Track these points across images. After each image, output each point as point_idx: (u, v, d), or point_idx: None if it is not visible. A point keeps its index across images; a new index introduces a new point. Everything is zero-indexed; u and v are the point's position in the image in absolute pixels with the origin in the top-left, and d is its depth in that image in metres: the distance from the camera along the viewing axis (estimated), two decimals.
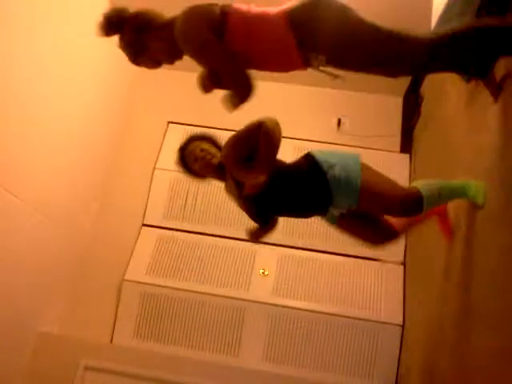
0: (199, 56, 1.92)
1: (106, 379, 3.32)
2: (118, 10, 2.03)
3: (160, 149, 4.22)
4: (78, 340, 3.46)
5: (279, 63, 1.98)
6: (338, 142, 4.11)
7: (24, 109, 2.90)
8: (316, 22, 1.82)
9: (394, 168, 3.99)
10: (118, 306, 3.70)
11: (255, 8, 1.90)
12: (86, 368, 3.33)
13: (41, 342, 3.35)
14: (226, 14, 1.87)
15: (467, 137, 2.53)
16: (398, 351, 3.43)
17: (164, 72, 4.36)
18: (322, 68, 1.94)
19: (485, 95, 2.34)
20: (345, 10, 1.86)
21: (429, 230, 3.17)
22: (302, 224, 3.88)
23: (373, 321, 3.53)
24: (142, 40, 1.98)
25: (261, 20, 1.86)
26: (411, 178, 3.92)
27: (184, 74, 4.28)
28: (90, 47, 3.57)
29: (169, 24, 1.94)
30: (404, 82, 4.05)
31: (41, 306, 3.38)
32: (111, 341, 3.62)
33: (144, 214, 4.02)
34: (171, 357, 3.42)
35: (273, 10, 1.88)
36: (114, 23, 2.02)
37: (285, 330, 3.57)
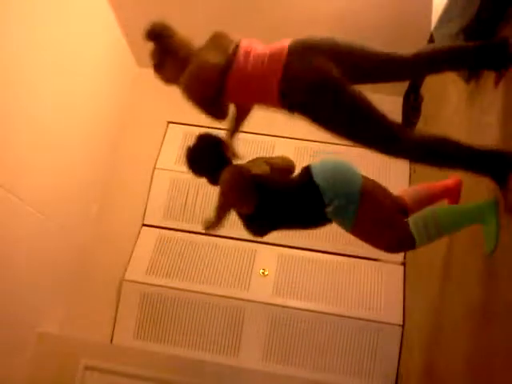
0: (200, 106, 2.19)
1: (106, 379, 3.32)
2: (162, 26, 2.30)
3: (160, 149, 4.22)
4: (78, 340, 3.45)
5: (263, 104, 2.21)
6: (338, 142, 4.11)
7: (24, 109, 2.90)
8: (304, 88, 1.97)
9: (393, 168, 4.00)
10: (117, 306, 3.70)
11: (256, 50, 2.13)
12: (86, 368, 3.33)
13: (41, 342, 3.35)
14: (227, 73, 2.07)
15: (467, 137, 2.52)
16: (397, 351, 3.43)
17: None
18: None
19: (485, 95, 2.34)
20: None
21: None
22: None
23: (373, 321, 3.53)
24: (163, 59, 2.22)
25: (256, 78, 2.05)
26: (411, 178, 3.92)
27: None
28: (90, 47, 3.57)
29: (186, 59, 2.17)
30: (404, 82, 4.05)
31: (41, 306, 3.38)
32: (111, 341, 3.62)
33: (144, 214, 4.02)
34: (171, 357, 3.42)
35: (272, 53, 2.08)
36: (152, 35, 2.25)
37: (285, 330, 3.57)
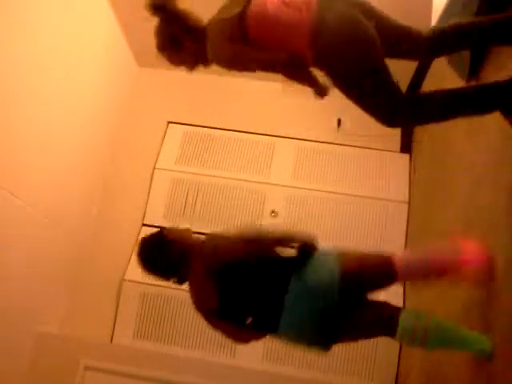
0: (234, 68, 2.06)
1: (106, 379, 3.32)
2: (171, 2, 2.05)
3: (160, 149, 4.22)
4: (78, 340, 3.45)
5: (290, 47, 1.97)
6: (338, 142, 4.12)
7: (24, 109, 2.90)
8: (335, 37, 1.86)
9: (393, 168, 4.00)
10: (117, 306, 3.70)
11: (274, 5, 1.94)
12: (86, 368, 3.33)
13: (41, 342, 3.35)
14: (244, 18, 1.96)
15: (467, 137, 2.53)
16: (397, 351, 3.43)
17: (164, 72, 4.38)
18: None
19: None
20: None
21: (429, 229, 3.18)
22: (301, 224, 3.88)
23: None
24: (183, 38, 2.05)
25: (281, 30, 1.92)
26: (411, 178, 3.92)
27: (184, 74, 4.27)
28: (90, 47, 3.57)
29: (203, 32, 2.06)
30: (404, 82, 4.05)
31: (41, 306, 3.38)
32: (111, 341, 3.62)
33: (144, 214, 4.02)
34: (171, 357, 3.42)
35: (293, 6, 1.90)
36: (165, 8, 2.02)
37: None
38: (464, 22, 1.97)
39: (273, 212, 3.94)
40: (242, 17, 1.97)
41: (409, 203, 3.86)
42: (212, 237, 2.08)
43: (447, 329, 1.89)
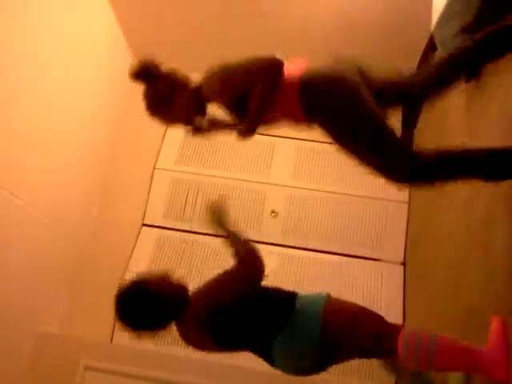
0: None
1: (106, 379, 3.32)
2: (156, 62, 2.10)
3: (160, 149, 4.22)
4: (78, 340, 3.45)
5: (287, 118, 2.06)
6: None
7: (24, 109, 2.90)
8: (324, 94, 1.89)
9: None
10: None
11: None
12: (86, 368, 3.33)
13: (41, 342, 3.35)
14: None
15: (467, 137, 2.53)
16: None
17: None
18: None
19: (485, 95, 2.34)
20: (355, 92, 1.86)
21: (428, 230, 3.18)
22: (301, 224, 3.89)
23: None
24: (172, 96, 2.05)
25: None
26: None
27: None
28: (90, 47, 3.57)
29: (198, 88, 2.06)
30: None
31: (41, 306, 3.38)
32: (111, 341, 3.62)
33: (144, 214, 4.02)
34: (171, 357, 3.42)
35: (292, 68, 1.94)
36: (149, 73, 2.08)
37: None
38: (447, 58, 1.97)
39: (273, 212, 3.94)
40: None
41: (409, 203, 3.86)
42: (196, 290, 2.01)
43: None
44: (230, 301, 1.90)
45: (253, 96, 1.88)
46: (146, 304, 1.88)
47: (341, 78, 1.87)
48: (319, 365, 1.93)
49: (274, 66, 1.89)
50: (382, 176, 1.89)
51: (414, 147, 2.00)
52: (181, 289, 1.98)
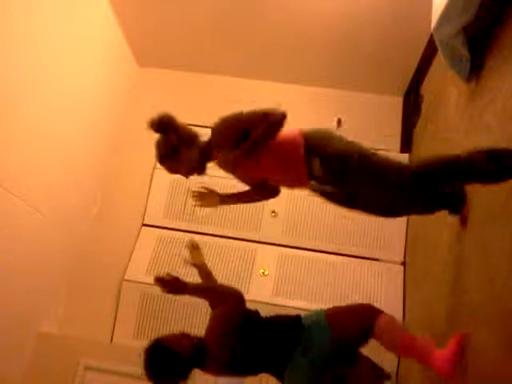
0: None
1: (106, 379, 3.32)
2: (172, 117, 2.27)
3: None
4: (78, 340, 3.46)
5: (289, 176, 2.31)
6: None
7: (24, 109, 2.90)
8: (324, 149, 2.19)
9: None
10: (117, 306, 3.70)
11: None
12: (86, 368, 3.34)
13: (41, 341, 3.35)
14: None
15: (467, 137, 2.52)
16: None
17: (164, 72, 4.38)
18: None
19: (485, 95, 2.34)
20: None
21: (429, 230, 3.17)
22: (302, 224, 3.89)
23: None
24: (180, 149, 2.26)
25: (282, 146, 2.23)
26: None
27: (184, 75, 4.28)
28: (91, 47, 3.58)
29: (204, 146, 2.31)
30: (404, 82, 4.06)
31: (41, 305, 3.38)
32: (111, 341, 3.62)
33: (144, 214, 4.02)
34: None
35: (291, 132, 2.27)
36: (165, 127, 2.24)
37: None
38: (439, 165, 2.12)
39: (273, 212, 3.94)
40: None
41: None
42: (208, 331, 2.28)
43: None
44: (235, 337, 2.20)
45: (253, 131, 2.15)
46: (168, 362, 2.16)
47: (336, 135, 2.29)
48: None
49: (278, 115, 2.18)
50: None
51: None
52: (198, 343, 2.23)
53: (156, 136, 2.28)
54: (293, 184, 2.37)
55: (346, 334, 2.17)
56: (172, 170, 2.40)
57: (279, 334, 2.25)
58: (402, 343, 2.12)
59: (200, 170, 2.39)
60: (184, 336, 2.25)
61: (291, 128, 2.28)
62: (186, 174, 2.43)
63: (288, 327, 2.27)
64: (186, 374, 2.18)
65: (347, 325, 2.19)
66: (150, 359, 2.17)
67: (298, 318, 2.32)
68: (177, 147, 2.26)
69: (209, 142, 2.30)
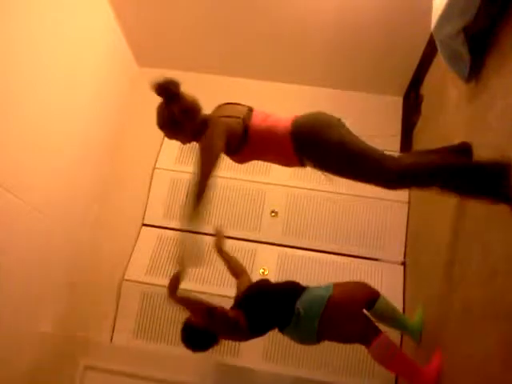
0: (201, 153, 2.31)
1: (106, 379, 3.32)
2: (178, 85, 2.29)
3: (160, 149, 4.22)
4: (78, 340, 3.46)
5: (281, 161, 2.42)
6: None
7: (24, 109, 2.90)
8: (313, 138, 2.24)
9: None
10: (117, 306, 3.70)
11: (269, 117, 2.36)
12: (86, 368, 3.34)
13: (41, 342, 3.35)
14: (247, 129, 2.31)
15: (467, 137, 2.52)
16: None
17: (164, 72, 4.37)
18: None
19: (485, 95, 2.34)
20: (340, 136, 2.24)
21: (429, 230, 3.18)
22: (301, 224, 3.89)
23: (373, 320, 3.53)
24: (182, 119, 2.28)
25: (270, 133, 2.29)
26: None
27: (184, 74, 4.26)
28: (91, 47, 3.58)
29: (205, 120, 2.34)
30: (404, 82, 4.05)
31: (41, 305, 3.38)
32: (111, 341, 3.62)
33: (144, 214, 4.02)
34: (171, 357, 3.42)
35: (282, 119, 2.33)
36: (170, 93, 2.27)
37: None
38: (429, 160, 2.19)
39: (273, 212, 3.94)
40: (246, 120, 2.33)
41: (409, 203, 3.86)
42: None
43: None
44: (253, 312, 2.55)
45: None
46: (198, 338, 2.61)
47: (327, 121, 2.29)
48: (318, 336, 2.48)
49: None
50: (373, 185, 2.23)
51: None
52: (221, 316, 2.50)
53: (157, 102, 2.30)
54: (287, 166, 2.45)
55: (346, 299, 2.45)
56: (170, 137, 2.40)
57: (286, 294, 2.54)
58: (393, 359, 2.45)
59: (199, 139, 2.35)
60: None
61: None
62: (184, 143, 2.43)
63: (293, 288, 2.59)
64: (214, 342, 2.58)
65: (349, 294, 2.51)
66: (183, 337, 2.61)
67: (302, 287, 2.61)
68: (177, 119, 2.26)
69: (209, 117, 2.33)
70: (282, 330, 2.55)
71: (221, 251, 2.97)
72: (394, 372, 2.57)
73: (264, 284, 2.73)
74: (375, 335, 2.40)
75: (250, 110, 2.42)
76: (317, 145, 2.21)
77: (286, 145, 2.26)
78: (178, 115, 2.25)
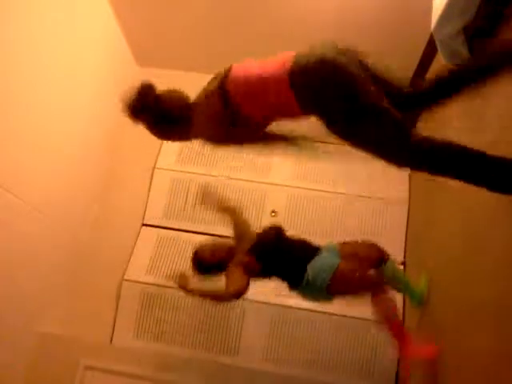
0: (220, 144, 2.16)
1: (106, 379, 3.32)
2: (151, 89, 2.14)
3: (160, 149, 4.22)
4: (78, 340, 3.45)
5: (284, 116, 2.07)
6: (338, 142, 4.11)
7: (24, 108, 2.90)
8: (320, 85, 1.82)
9: (393, 168, 3.99)
10: (117, 306, 3.70)
11: (254, 66, 1.96)
12: (86, 368, 3.33)
13: (41, 341, 3.35)
14: (225, 85, 1.97)
15: (467, 137, 2.52)
16: (397, 351, 3.43)
17: (164, 72, 4.38)
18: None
19: (485, 95, 2.34)
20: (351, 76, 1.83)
21: (428, 230, 3.18)
22: (301, 224, 3.89)
23: (373, 321, 3.53)
24: (170, 128, 2.17)
25: (262, 84, 1.90)
26: (411, 178, 3.92)
27: (184, 74, 4.27)
28: (90, 47, 3.57)
29: (186, 114, 2.11)
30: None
31: (41, 305, 3.38)
32: (111, 341, 3.62)
33: (144, 214, 4.02)
34: (171, 357, 3.42)
35: (272, 63, 1.92)
36: (147, 110, 2.17)
37: (285, 330, 3.57)
38: (444, 77, 1.94)
39: (273, 212, 3.94)
40: (222, 85, 1.98)
41: (409, 203, 3.86)
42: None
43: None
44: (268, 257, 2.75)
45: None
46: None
47: (333, 65, 1.84)
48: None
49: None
50: (381, 159, 1.95)
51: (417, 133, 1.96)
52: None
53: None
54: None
55: (354, 265, 2.56)
56: (162, 139, 2.34)
57: (299, 258, 2.67)
58: (387, 325, 2.59)
59: (188, 138, 2.22)
60: (218, 250, 2.80)
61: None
62: (183, 140, 2.30)
63: (306, 250, 2.73)
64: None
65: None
66: (193, 264, 2.80)
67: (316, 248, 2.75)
68: (165, 126, 2.16)
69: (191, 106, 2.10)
70: (292, 289, 2.68)
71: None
72: (387, 331, 2.65)
73: (280, 239, 2.82)
74: (382, 292, 2.56)
75: (229, 69, 2.05)
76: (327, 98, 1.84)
77: (284, 94, 1.88)
78: (165, 125, 2.15)
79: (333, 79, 1.81)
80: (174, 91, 2.16)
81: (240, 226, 2.93)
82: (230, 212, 2.99)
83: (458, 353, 2.20)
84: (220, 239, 2.93)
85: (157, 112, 2.12)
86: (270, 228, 2.87)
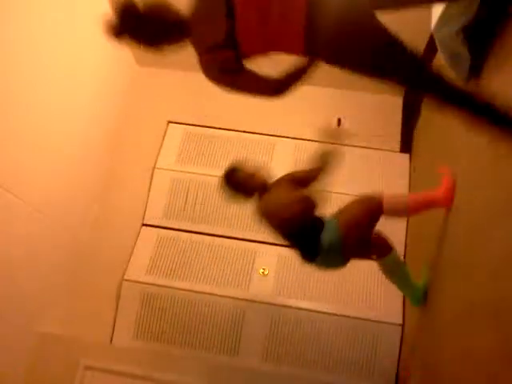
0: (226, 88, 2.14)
1: (106, 379, 3.32)
2: (131, 11, 2.00)
3: (160, 148, 4.22)
4: (78, 340, 3.46)
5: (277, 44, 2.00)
6: (338, 142, 4.11)
7: (24, 108, 2.90)
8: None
9: (394, 168, 4.00)
10: (117, 306, 3.70)
11: None
12: (86, 368, 3.33)
13: (41, 341, 3.35)
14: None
15: (467, 137, 2.52)
16: (397, 351, 3.43)
17: (164, 72, 4.38)
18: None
19: (484, 95, 2.34)
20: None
21: (429, 229, 3.18)
22: None
23: (373, 321, 3.53)
24: (163, 40, 2.02)
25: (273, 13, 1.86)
26: (411, 178, 3.92)
27: (184, 74, 4.28)
28: (90, 47, 3.57)
29: (182, 27, 2.01)
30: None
31: (41, 305, 3.38)
32: (111, 341, 3.62)
33: (144, 214, 4.02)
34: (171, 357, 3.42)
35: None
36: (130, 16, 2.02)
37: (285, 330, 3.57)
38: None
39: None
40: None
41: None
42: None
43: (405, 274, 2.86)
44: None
45: None
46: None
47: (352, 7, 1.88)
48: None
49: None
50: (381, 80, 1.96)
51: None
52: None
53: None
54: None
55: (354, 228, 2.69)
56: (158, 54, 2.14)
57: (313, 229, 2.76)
58: (409, 205, 2.66)
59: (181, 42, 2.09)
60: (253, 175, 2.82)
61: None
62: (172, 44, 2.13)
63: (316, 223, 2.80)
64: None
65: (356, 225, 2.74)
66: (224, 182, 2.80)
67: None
68: (157, 40, 2.01)
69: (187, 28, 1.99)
70: (310, 261, 2.80)
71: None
72: (415, 214, 2.81)
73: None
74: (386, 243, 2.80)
75: None
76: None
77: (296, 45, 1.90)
78: (156, 37, 2.00)
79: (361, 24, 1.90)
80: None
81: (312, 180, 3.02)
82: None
83: (458, 353, 2.20)
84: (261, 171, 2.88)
85: (148, 27, 2.01)
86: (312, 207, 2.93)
